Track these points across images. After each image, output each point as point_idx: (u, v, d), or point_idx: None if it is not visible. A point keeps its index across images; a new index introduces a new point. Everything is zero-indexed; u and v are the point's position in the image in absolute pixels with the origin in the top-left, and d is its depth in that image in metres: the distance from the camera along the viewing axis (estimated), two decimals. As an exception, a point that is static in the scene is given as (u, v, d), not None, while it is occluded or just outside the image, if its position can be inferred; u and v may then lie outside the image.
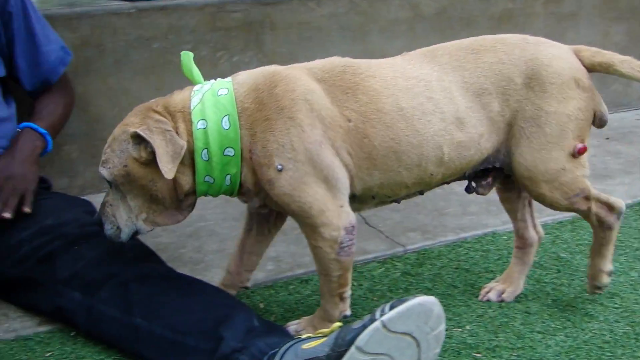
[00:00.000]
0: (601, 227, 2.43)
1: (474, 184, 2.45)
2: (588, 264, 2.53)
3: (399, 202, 2.42)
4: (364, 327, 1.91)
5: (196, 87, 2.25)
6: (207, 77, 2.30)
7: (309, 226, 2.20)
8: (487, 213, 3.19)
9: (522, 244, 2.59)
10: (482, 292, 2.59)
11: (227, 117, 2.15)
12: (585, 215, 2.43)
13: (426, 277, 2.74)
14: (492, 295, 2.57)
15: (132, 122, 2.16)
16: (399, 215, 3.21)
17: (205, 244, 2.99)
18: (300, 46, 3.57)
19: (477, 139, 2.30)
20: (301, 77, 2.21)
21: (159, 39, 3.24)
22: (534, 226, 2.60)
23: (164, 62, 3.29)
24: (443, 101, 2.25)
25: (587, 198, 2.38)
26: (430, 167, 2.28)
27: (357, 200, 2.29)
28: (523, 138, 2.30)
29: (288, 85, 2.18)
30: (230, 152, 2.15)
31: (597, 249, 2.48)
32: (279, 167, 2.13)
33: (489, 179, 2.43)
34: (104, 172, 2.18)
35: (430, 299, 1.95)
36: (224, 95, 2.18)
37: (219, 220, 3.16)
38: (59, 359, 2.27)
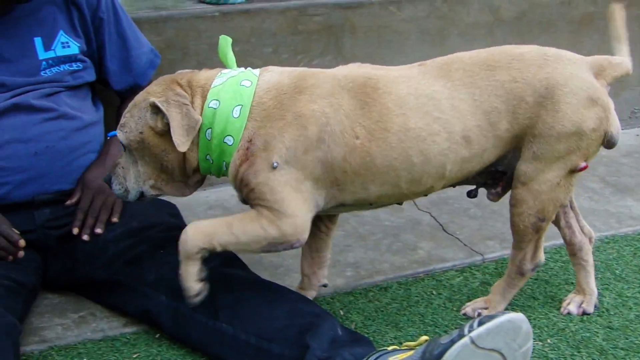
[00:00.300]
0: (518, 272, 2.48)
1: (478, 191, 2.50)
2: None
3: (400, 204, 2.47)
4: (452, 342, 1.92)
5: (225, 70, 2.29)
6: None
7: (273, 213, 2.17)
8: (566, 222, 3.15)
9: (572, 250, 2.57)
10: (563, 304, 2.58)
11: (239, 107, 2.18)
12: (519, 247, 2.44)
13: (506, 287, 2.72)
14: (573, 308, 2.56)
15: (154, 91, 2.22)
16: (477, 222, 3.19)
17: (284, 247, 3.00)
18: (380, 50, 3.57)
19: (481, 154, 2.29)
20: (326, 88, 2.21)
21: (241, 42, 3.27)
22: (582, 228, 2.57)
23: (246, 64, 3.24)
24: (451, 121, 2.22)
25: (539, 230, 2.39)
26: (430, 181, 2.28)
27: (353, 207, 2.33)
28: (531, 150, 2.28)
29: (312, 96, 2.18)
30: (229, 140, 2.18)
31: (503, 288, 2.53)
32: (275, 164, 2.14)
33: (499, 188, 2.43)
34: (120, 135, 2.25)
35: (519, 316, 1.95)
36: (246, 86, 2.21)
37: (297, 224, 3.16)
38: (145, 361, 2.33)
